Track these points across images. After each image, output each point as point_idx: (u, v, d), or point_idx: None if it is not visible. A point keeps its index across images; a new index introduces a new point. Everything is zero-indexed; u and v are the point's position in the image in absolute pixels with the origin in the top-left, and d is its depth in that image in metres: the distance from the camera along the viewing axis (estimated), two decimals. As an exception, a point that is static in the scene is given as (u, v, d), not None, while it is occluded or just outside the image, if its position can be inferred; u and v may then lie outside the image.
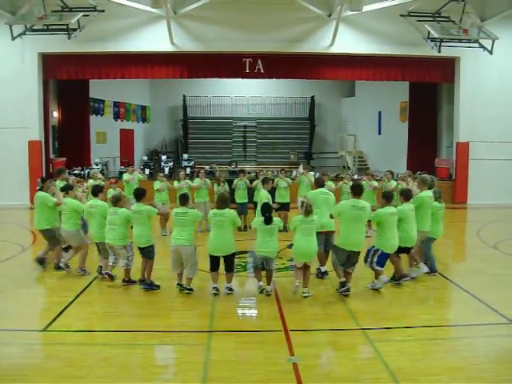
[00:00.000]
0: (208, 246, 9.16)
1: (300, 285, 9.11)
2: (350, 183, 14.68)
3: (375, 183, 15.20)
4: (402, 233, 9.50)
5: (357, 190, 9.27)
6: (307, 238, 9.01)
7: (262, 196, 11.36)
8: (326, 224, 9.92)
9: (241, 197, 15.93)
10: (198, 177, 16.14)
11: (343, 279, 9.12)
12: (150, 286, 9.34)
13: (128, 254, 9.66)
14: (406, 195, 9.83)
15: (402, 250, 9.70)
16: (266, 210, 9.37)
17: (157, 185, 15.42)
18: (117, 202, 9.86)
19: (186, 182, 15.69)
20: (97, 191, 10.61)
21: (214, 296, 9.06)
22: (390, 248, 9.33)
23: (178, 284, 9.31)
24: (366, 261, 9.49)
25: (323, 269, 10.36)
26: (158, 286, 9.39)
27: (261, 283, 9.38)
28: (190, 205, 10.35)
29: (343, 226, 9.06)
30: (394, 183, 14.86)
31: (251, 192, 15.79)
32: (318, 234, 9.68)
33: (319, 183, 10.85)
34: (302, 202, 9.25)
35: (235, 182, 16.22)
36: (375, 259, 9.34)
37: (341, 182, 15.68)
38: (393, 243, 9.31)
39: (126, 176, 16.16)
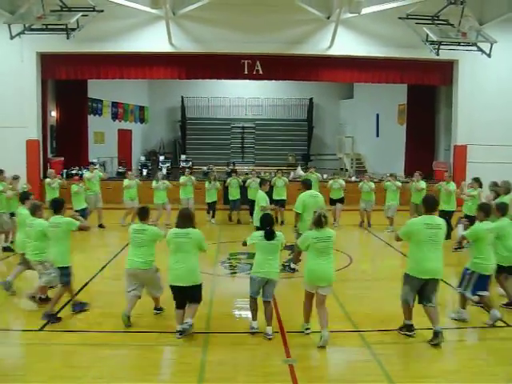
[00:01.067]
0: (168, 275, 7.37)
1: (308, 324, 7.65)
2: (370, 183, 16.71)
3: (399, 183, 16.44)
4: (504, 251, 8.42)
5: (429, 204, 7.50)
6: (322, 258, 7.42)
7: (260, 198, 11.33)
8: None
9: (233, 194, 17.38)
10: (183, 174, 17.57)
11: (409, 322, 7.56)
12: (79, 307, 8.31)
13: (47, 271, 8.26)
14: (503, 209, 8.62)
15: (504, 269, 8.57)
16: (267, 223, 7.66)
17: (125, 182, 16.71)
18: (34, 211, 8.46)
19: (164, 182, 16.79)
20: (23, 198, 9.80)
21: (179, 336, 7.29)
22: (489, 269, 7.97)
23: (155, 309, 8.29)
24: (460, 285, 8.17)
25: (294, 266, 10.96)
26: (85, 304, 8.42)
27: (254, 323, 7.59)
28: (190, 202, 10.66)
29: (415, 249, 7.35)
30: (423, 183, 15.92)
31: (245, 191, 17.17)
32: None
33: (307, 185, 10.91)
34: (318, 215, 7.52)
35: (228, 180, 17.69)
36: (472, 284, 7.93)
37: (361, 183, 17.30)
38: (491, 263, 7.99)
39: (86, 174, 16.99)
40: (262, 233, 7.60)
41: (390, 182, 16.35)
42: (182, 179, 17.15)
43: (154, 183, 16.69)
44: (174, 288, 7.33)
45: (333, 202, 17.10)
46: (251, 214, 15.92)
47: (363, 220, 16.95)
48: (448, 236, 9.61)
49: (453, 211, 13.96)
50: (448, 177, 15.13)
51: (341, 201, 17.23)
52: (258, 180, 15.29)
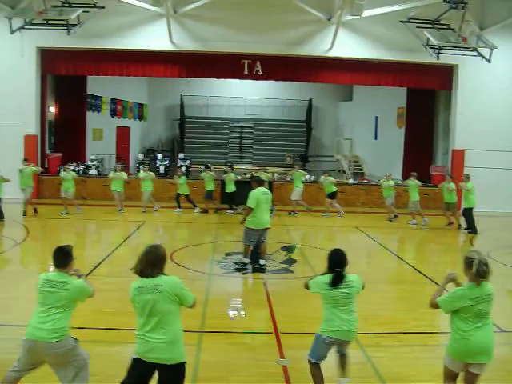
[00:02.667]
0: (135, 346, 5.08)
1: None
2: (390, 181, 18.28)
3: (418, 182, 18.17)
4: None
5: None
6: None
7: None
8: (265, 222, 10.94)
9: (209, 186, 19.14)
10: (143, 170, 19.53)
11: None
12: None
13: None
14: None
15: None
16: (336, 263, 5.66)
17: (61, 174, 18.45)
18: None
19: (119, 174, 18.56)
20: None
21: None
22: None
23: None
24: None
25: (246, 260, 11.23)
26: None
27: None
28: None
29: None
30: (453, 185, 17.14)
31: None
32: (254, 230, 10.88)
33: (259, 182, 11.37)
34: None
35: (202, 174, 19.54)
36: None
37: (381, 180, 19.08)
38: None
39: (20, 166, 17.42)
40: (327, 278, 5.57)
41: (412, 180, 18.01)
42: (142, 174, 19.09)
43: (111, 174, 18.91)
44: (137, 364, 5.01)
45: (328, 196, 19.13)
46: (231, 208, 19.11)
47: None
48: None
49: (455, 202, 17.22)
50: (450, 177, 17.56)
51: (333, 195, 18.94)
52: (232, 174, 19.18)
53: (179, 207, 19.01)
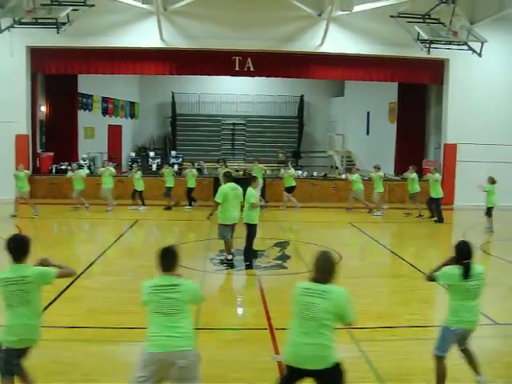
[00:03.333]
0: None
1: None
2: (413, 174, 18.23)
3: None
4: None
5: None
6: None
7: (250, 195, 11.33)
8: (236, 217, 11.03)
9: (168, 182, 19.20)
10: (102, 166, 19.57)
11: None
12: None
13: None
14: None
15: None
16: (465, 253, 5.54)
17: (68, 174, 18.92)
18: None
19: (76, 172, 18.58)
20: None
21: None
22: None
23: None
24: None
25: (230, 257, 11.22)
26: None
27: None
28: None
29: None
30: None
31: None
32: (226, 226, 10.98)
33: (228, 177, 11.52)
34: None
35: (163, 170, 19.90)
36: None
37: (405, 173, 18.99)
38: None
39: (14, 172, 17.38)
40: (459, 270, 5.45)
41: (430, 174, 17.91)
42: (101, 170, 19.20)
43: (69, 173, 18.93)
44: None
45: (285, 190, 19.46)
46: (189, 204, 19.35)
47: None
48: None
49: (439, 198, 17.42)
50: (433, 169, 17.99)
51: (290, 189, 19.25)
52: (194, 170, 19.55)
53: (143, 205, 19.04)
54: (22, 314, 5.00)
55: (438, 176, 17.62)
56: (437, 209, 17.49)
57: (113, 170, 19.32)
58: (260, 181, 19.29)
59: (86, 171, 19.36)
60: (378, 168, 19.09)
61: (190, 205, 19.39)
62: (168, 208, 19.18)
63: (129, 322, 7.70)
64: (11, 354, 5.03)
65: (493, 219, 15.88)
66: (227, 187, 11.11)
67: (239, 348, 6.95)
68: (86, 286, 9.60)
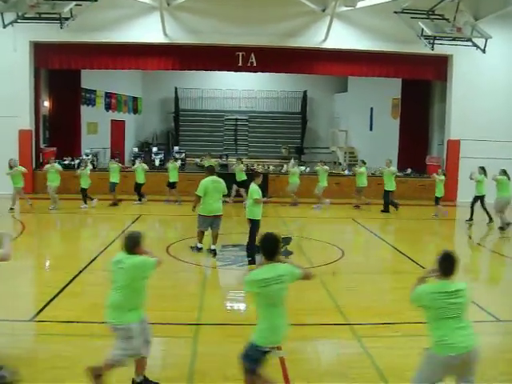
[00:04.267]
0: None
1: None
2: (442, 177, 17.75)
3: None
4: None
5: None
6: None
7: (253, 191, 11.35)
8: (216, 209, 11.47)
9: (113, 178, 18.81)
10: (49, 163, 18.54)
11: None
12: None
13: None
14: None
15: None
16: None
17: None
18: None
19: (17, 168, 17.36)
20: None
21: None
22: None
23: None
24: None
25: (199, 245, 11.70)
26: None
27: None
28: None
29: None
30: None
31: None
32: (206, 217, 11.42)
33: (210, 171, 12.04)
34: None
35: (109, 165, 19.46)
36: None
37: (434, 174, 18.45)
38: None
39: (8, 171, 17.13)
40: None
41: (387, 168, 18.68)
42: (46, 167, 18.15)
43: (7, 170, 17.32)
44: None
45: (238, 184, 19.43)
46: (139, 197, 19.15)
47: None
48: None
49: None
50: (440, 171, 18.12)
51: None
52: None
53: (91, 199, 18.52)
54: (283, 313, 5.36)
55: (442, 178, 17.76)
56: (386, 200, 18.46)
57: (59, 167, 18.40)
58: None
59: (21, 169, 17.86)
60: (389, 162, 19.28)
61: (140, 200, 19.20)
62: (115, 204, 18.76)
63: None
64: (265, 353, 5.26)
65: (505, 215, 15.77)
66: (208, 180, 11.53)
67: (241, 343, 6.92)
68: (89, 281, 9.61)
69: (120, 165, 19.48)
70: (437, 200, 17.57)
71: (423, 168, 22.40)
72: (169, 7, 19.82)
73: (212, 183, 11.51)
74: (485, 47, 17.27)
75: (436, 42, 17.31)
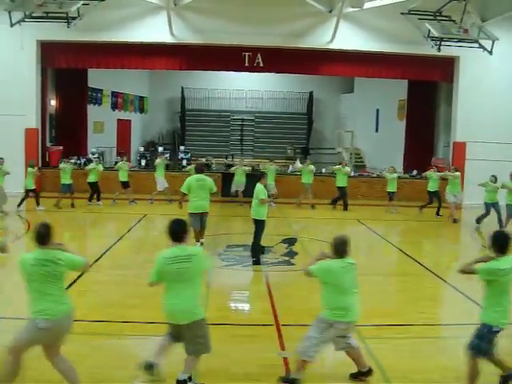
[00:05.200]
0: None
1: None
2: (456, 173, 17.77)
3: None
4: None
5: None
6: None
7: (259, 191, 11.38)
8: (200, 207, 11.81)
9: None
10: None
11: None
12: None
13: None
14: None
15: None
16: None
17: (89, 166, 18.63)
18: None
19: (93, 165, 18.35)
20: None
21: None
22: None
23: None
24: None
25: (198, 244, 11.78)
26: None
27: None
28: None
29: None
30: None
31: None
32: (193, 214, 11.64)
33: (198, 170, 12.46)
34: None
35: (61, 165, 18.43)
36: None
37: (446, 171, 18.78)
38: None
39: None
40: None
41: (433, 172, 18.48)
42: (61, 166, 18.12)
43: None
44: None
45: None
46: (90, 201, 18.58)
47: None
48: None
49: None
50: (453, 168, 18.15)
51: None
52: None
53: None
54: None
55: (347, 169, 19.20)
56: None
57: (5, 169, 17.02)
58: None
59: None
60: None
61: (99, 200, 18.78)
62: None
63: (136, 316, 7.73)
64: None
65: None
66: (192, 178, 12.01)
67: (245, 343, 6.96)
68: (94, 279, 9.63)
69: (71, 166, 18.87)
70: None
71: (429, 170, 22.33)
72: (176, 7, 19.85)
73: (196, 181, 11.88)
74: (492, 49, 17.23)
75: (443, 43, 17.30)
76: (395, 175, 19.08)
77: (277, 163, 22.97)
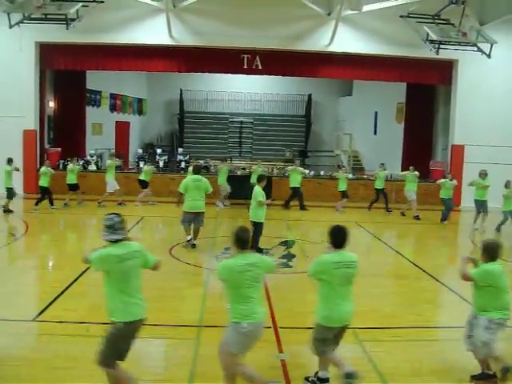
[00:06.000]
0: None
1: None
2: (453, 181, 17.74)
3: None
4: None
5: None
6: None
7: (257, 193, 11.39)
8: (196, 206, 12.26)
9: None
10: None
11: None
12: None
13: None
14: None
15: None
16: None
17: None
18: None
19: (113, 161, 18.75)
20: None
21: None
22: None
23: None
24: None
25: (188, 237, 12.47)
26: None
27: None
28: None
29: None
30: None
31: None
32: (186, 213, 12.28)
33: (195, 170, 12.93)
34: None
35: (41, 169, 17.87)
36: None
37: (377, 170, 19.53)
38: None
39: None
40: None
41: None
42: (42, 169, 17.68)
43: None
44: None
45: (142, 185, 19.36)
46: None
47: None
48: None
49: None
50: (450, 175, 18.09)
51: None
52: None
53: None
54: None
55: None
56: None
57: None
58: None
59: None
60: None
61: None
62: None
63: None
64: None
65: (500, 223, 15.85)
66: (189, 179, 12.62)
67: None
68: (91, 282, 9.62)
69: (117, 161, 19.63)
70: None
71: (427, 173, 22.35)
72: (175, 9, 19.88)
73: (192, 181, 12.38)
74: (490, 52, 17.26)
75: (441, 46, 17.33)
76: (385, 173, 19.44)
77: (275, 165, 23.07)
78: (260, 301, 5.43)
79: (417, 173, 18.43)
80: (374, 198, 19.27)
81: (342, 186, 19.23)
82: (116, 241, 5.31)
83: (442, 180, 18.08)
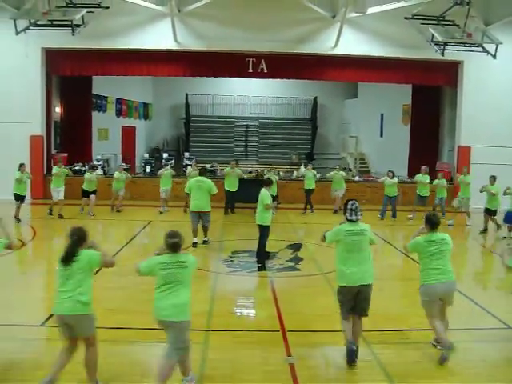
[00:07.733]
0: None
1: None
2: (394, 179, 18.29)
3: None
4: None
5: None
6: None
7: (264, 196, 11.40)
8: (200, 206, 12.82)
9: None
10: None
11: None
12: None
13: None
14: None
15: None
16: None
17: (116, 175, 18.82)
18: None
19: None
20: None
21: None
22: None
23: None
24: None
25: (194, 240, 12.93)
26: None
27: None
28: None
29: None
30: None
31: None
32: (193, 212, 12.88)
33: (200, 172, 13.65)
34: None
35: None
36: None
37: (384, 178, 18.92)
38: None
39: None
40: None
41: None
42: (55, 170, 17.66)
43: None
44: None
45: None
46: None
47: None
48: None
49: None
50: (465, 171, 18.40)
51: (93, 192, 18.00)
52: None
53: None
54: None
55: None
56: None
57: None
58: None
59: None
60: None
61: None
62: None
63: (141, 322, 7.72)
64: None
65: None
66: (193, 180, 13.34)
67: (251, 350, 6.95)
68: (100, 285, 9.62)
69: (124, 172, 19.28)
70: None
71: (433, 174, 22.28)
72: (180, 13, 19.94)
73: (196, 182, 13.00)
74: (495, 53, 17.21)
75: (446, 47, 17.29)
76: (395, 180, 18.62)
77: (281, 169, 23.06)
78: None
79: (427, 176, 18.57)
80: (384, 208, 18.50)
81: (310, 185, 19.24)
82: None
83: (461, 176, 18.24)
